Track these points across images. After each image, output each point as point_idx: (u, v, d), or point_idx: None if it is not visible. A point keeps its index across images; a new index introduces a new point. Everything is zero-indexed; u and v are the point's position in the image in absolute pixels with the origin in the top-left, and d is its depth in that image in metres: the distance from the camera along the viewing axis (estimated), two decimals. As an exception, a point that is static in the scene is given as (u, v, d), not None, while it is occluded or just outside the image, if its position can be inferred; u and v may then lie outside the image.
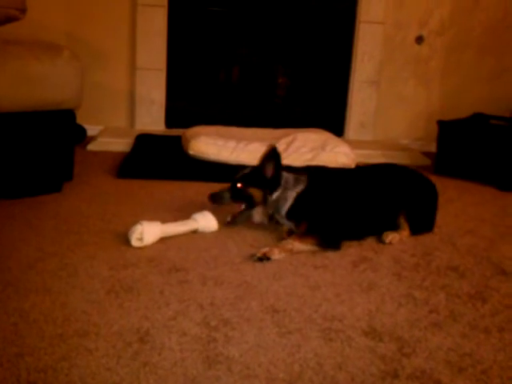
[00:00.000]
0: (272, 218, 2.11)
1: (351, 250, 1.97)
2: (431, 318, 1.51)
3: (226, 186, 2.11)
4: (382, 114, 4.14)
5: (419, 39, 4.07)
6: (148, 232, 1.85)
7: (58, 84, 2.34)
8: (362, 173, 2.29)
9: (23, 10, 2.38)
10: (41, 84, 2.27)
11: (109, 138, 3.55)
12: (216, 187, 2.77)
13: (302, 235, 1.94)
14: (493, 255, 2.03)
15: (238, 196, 2.07)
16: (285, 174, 2.06)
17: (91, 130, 3.64)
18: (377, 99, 4.07)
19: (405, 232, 2.11)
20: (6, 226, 2.00)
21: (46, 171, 2.40)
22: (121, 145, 3.43)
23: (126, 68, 3.82)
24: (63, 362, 1.19)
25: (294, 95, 4.27)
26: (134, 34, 3.74)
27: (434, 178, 2.34)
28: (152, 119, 3.86)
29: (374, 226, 2.10)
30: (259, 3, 4.02)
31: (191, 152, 3.03)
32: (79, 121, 2.76)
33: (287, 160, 3.07)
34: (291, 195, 2.02)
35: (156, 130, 3.79)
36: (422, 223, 2.19)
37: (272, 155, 2.04)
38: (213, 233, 2.05)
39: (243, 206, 2.09)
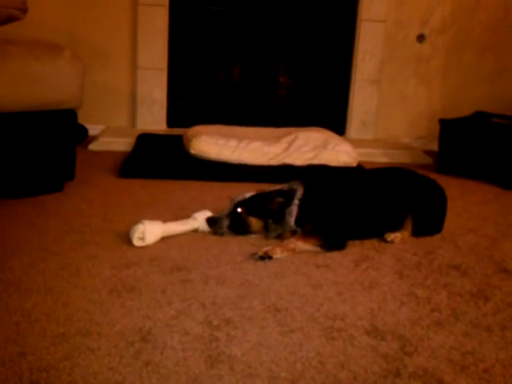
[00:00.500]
0: (279, 236, 2.04)
1: (353, 249, 1.97)
2: (433, 317, 1.51)
3: (223, 210, 2.04)
4: (384, 113, 4.13)
5: (421, 38, 4.07)
6: (150, 231, 1.85)
7: (58, 84, 2.34)
8: (371, 175, 2.29)
9: (24, 10, 2.37)
10: (42, 84, 2.27)
11: (110, 137, 3.55)
12: (217, 186, 2.77)
13: (306, 235, 1.94)
14: (495, 254, 2.03)
15: (236, 223, 2.00)
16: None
17: (93, 130, 3.64)
18: (378, 98, 4.07)
19: (406, 232, 2.11)
20: (7, 225, 2.00)
21: (47, 171, 2.40)
22: (122, 144, 3.44)
23: (128, 67, 3.82)
24: (65, 362, 1.19)
25: (295, 94, 4.27)
26: (135, 34, 3.74)
27: (435, 177, 2.34)
28: (153, 119, 3.86)
29: (380, 228, 2.09)
30: (260, 2, 4.02)
31: (192, 151, 3.03)
32: (81, 120, 2.76)
33: (289, 159, 3.08)
34: (295, 204, 1.98)
35: (157, 130, 3.79)
36: (431, 226, 2.18)
37: (287, 194, 2.00)
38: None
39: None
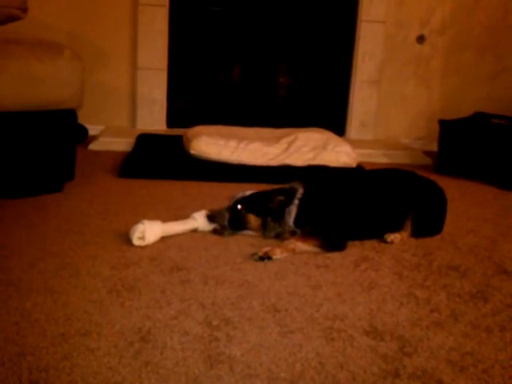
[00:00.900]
0: (278, 236, 2.04)
1: (353, 250, 1.97)
2: (432, 318, 1.51)
3: (222, 207, 2.04)
4: (383, 114, 4.14)
5: (420, 38, 4.07)
6: (149, 231, 1.85)
7: (59, 83, 2.34)
8: (371, 176, 2.29)
9: (25, 10, 2.38)
10: (42, 83, 2.27)
11: (110, 137, 3.55)
12: (216, 186, 2.77)
13: (305, 236, 1.94)
14: (494, 254, 2.03)
15: (235, 219, 2.00)
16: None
17: (93, 130, 3.64)
18: (378, 98, 4.07)
19: (405, 233, 2.11)
20: (7, 225, 2.00)
21: (47, 171, 2.40)
22: (122, 144, 3.44)
23: (128, 68, 3.82)
24: (65, 362, 1.19)
25: (295, 95, 4.27)
26: (135, 34, 3.74)
27: (435, 178, 2.34)
28: (153, 119, 3.86)
29: (380, 229, 2.09)
30: (260, 3, 4.01)
31: (192, 152, 3.03)
32: (81, 120, 2.76)
33: (289, 160, 3.08)
34: (294, 204, 1.98)
35: (157, 130, 3.79)
36: (431, 227, 2.18)
37: (288, 192, 2.00)
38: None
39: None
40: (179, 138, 3.33)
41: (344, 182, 2.24)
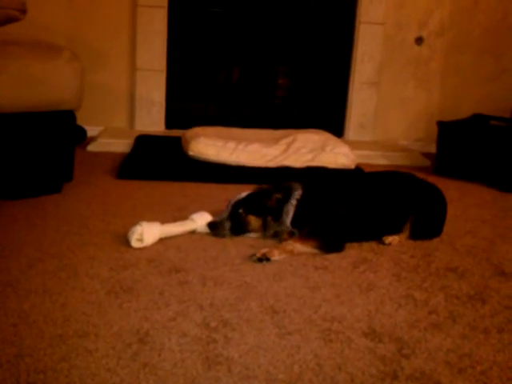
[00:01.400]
0: (276, 235, 2.04)
1: (351, 251, 1.97)
2: (431, 319, 1.51)
3: (222, 211, 2.04)
4: (382, 115, 4.14)
5: (419, 40, 4.08)
6: (148, 233, 1.85)
7: (58, 85, 2.34)
8: (370, 178, 2.29)
9: (23, 11, 2.37)
10: (41, 85, 2.27)
11: (109, 138, 3.55)
12: (215, 188, 2.77)
13: (304, 237, 1.94)
14: (492, 256, 2.03)
15: (236, 224, 2.00)
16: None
17: (91, 131, 3.63)
18: (377, 100, 4.08)
19: (403, 235, 2.11)
20: (6, 226, 2.00)
21: (46, 172, 2.40)
22: (121, 145, 3.44)
23: (126, 69, 3.82)
24: (63, 363, 1.19)
25: (294, 96, 4.28)
26: (134, 35, 3.74)
27: (433, 179, 2.35)
28: (152, 120, 3.86)
29: (378, 231, 2.09)
30: (259, 4, 4.02)
31: (191, 153, 3.04)
32: (79, 121, 2.75)
33: (287, 161, 3.08)
34: (292, 204, 1.99)
35: (156, 131, 3.79)
36: (431, 229, 2.18)
37: (284, 190, 2.01)
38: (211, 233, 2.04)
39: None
40: (178, 140, 3.33)
41: (343, 184, 2.24)
